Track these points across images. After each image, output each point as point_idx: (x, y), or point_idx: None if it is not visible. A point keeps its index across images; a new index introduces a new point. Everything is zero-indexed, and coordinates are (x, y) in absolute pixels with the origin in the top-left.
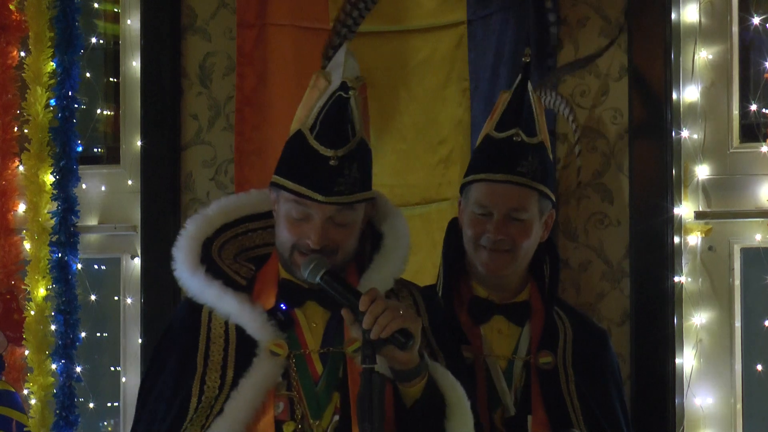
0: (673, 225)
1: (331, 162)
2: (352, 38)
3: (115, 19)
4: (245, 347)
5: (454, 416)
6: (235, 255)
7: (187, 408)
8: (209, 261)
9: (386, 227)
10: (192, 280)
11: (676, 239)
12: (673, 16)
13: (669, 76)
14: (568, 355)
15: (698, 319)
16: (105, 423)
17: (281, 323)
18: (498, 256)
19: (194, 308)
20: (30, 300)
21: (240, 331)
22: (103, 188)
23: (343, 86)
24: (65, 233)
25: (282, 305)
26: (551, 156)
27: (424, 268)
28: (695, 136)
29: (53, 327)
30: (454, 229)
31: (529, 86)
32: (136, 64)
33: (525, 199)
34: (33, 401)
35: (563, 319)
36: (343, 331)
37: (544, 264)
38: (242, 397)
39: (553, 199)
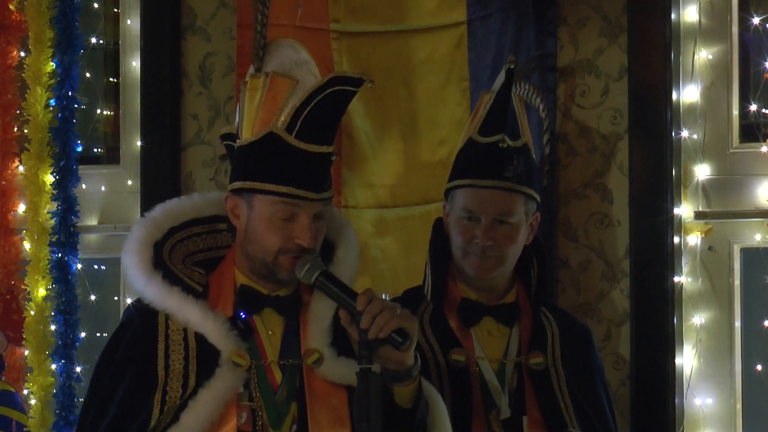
0: (673, 225)
1: (334, 158)
2: (266, 33)
3: (115, 19)
4: (207, 355)
5: (436, 418)
6: (182, 259)
7: (149, 421)
8: (163, 266)
9: (338, 237)
10: (149, 286)
11: (676, 239)
12: (673, 16)
13: (669, 76)
14: (557, 354)
15: (698, 319)
16: None
17: (242, 332)
18: (486, 260)
19: (148, 314)
20: (30, 300)
21: (200, 338)
22: (103, 188)
23: (345, 80)
24: (65, 233)
25: (242, 313)
26: (535, 156)
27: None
28: (695, 136)
29: (53, 327)
30: (439, 230)
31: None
32: (136, 64)
33: (512, 203)
34: (33, 401)
35: (549, 319)
36: (300, 339)
37: (531, 266)
38: (199, 407)
39: (538, 200)
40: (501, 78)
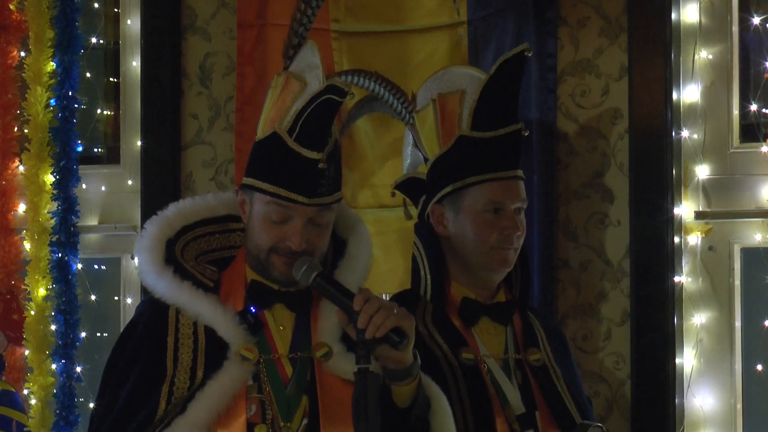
0: (673, 225)
1: (320, 165)
2: (307, 35)
3: (115, 19)
4: (215, 349)
5: (438, 416)
6: (195, 257)
7: (155, 412)
8: (175, 262)
9: (349, 234)
10: (160, 280)
11: (676, 239)
12: (673, 16)
13: (669, 76)
14: (548, 350)
15: (698, 319)
16: None
17: (251, 326)
18: (511, 253)
19: (159, 308)
20: (30, 300)
21: (210, 331)
22: (103, 188)
23: (334, 90)
24: (65, 233)
25: (252, 308)
26: None
27: None
28: (695, 136)
29: (53, 327)
30: (430, 234)
31: None
32: (136, 64)
33: (524, 190)
34: (33, 401)
35: (532, 318)
36: (310, 333)
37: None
38: (206, 398)
39: None
40: (472, 74)
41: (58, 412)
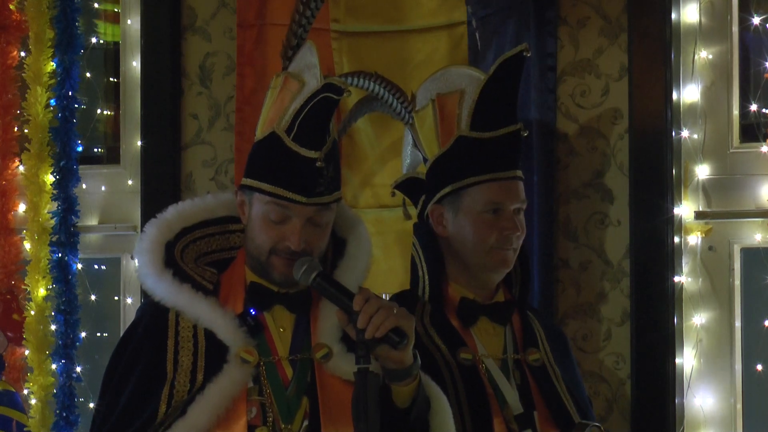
0: (673, 225)
1: (318, 163)
2: (306, 36)
3: (115, 19)
4: (215, 352)
5: (438, 416)
6: (194, 259)
7: (155, 415)
8: (174, 265)
9: (349, 234)
10: (159, 284)
11: (676, 239)
12: (673, 16)
13: (669, 76)
14: (548, 350)
15: (698, 319)
16: None
17: (251, 328)
18: (510, 253)
19: (159, 311)
20: (30, 300)
21: (209, 334)
22: (103, 188)
23: (331, 88)
24: (65, 233)
25: (252, 310)
26: None
27: None
28: (695, 136)
29: (53, 327)
30: (429, 234)
31: None
32: (136, 64)
33: (523, 191)
34: (33, 401)
35: (532, 317)
36: (310, 335)
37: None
38: (206, 401)
39: None
40: (471, 75)
41: (58, 412)
